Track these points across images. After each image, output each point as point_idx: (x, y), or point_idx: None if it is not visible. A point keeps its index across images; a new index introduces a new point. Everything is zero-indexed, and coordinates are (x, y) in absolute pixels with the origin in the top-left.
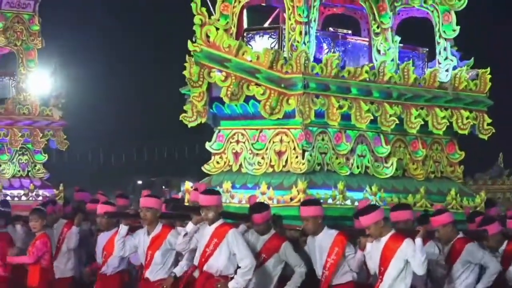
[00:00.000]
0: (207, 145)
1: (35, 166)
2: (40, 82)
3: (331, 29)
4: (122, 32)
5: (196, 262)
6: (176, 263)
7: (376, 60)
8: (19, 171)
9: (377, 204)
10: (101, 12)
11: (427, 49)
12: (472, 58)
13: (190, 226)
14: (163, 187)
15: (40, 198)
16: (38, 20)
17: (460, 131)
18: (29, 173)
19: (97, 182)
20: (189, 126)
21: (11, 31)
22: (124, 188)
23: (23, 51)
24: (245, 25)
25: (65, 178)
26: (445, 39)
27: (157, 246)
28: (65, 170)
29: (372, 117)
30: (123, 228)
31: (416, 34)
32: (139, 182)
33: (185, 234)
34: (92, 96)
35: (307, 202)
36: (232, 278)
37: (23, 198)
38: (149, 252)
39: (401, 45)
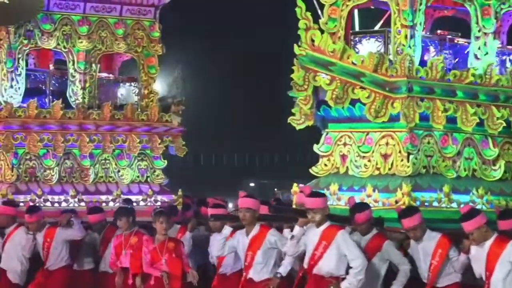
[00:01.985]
0: (315, 148)
1: (154, 171)
2: (161, 89)
3: (439, 31)
4: (237, 35)
5: (305, 265)
6: (278, 262)
7: (472, 65)
8: (138, 176)
9: (479, 208)
10: (219, 18)
11: None
12: None
13: (296, 229)
14: (275, 189)
15: (159, 203)
16: (159, 27)
17: None
18: (148, 179)
19: (211, 185)
20: (297, 128)
21: (131, 37)
22: (236, 190)
23: (144, 57)
24: (356, 27)
25: (183, 183)
26: None
27: (258, 246)
28: (181, 175)
29: (478, 120)
30: (226, 229)
31: None
32: (252, 184)
33: (292, 237)
34: (205, 100)
35: (407, 213)
36: (343, 278)
37: (142, 203)
38: (249, 252)
39: (509, 47)
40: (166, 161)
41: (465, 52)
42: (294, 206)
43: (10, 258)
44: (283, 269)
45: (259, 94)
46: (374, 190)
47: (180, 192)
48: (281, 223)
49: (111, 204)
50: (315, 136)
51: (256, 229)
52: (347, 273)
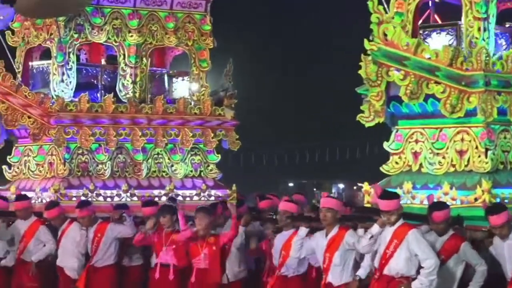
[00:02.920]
0: (385, 145)
1: (208, 166)
2: (213, 82)
3: (507, 24)
4: (291, 30)
5: (375, 264)
6: (357, 265)
7: None
8: (191, 171)
9: None
10: (271, 11)
11: None
12: None
13: (376, 228)
14: (314, 189)
15: (212, 198)
16: (210, 20)
17: None
18: (202, 173)
19: (250, 184)
20: (366, 126)
21: (182, 31)
22: (275, 189)
23: (195, 51)
24: None
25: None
26: None
27: (335, 247)
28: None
29: None
30: (302, 230)
31: None
32: (290, 184)
33: (371, 237)
34: (252, 96)
35: (495, 211)
36: (413, 279)
37: (195, 198)
38: (327, 254)
39: None
40: (219, 155)
41: None
42: (367, 205)
43: (67, 255)
44: (362, 272)
45: (300, 93)
46: (451, 188)
47: (234, 187)
48: (357, 222)
49: (163, 198)
50: (354, 135)
51: (335, 230)
52: (418, 274)
